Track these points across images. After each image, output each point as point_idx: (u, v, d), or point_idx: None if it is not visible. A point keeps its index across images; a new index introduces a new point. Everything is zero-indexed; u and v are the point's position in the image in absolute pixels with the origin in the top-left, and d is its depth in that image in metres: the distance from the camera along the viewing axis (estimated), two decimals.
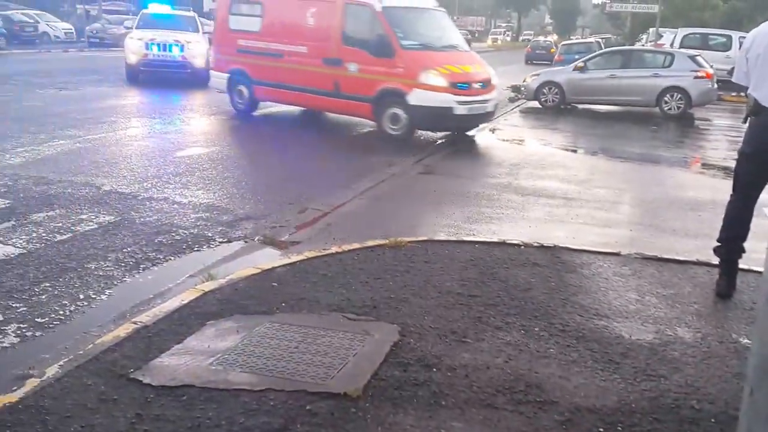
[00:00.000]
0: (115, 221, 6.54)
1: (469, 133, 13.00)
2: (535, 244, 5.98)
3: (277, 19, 13.31)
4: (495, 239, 6.21)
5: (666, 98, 17.25)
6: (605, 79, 17.65)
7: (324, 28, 12.48)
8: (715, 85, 17.78)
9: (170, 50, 18.74)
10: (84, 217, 6.59)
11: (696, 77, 17.16)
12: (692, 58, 17.79)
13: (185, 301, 4.52)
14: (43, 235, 6.02)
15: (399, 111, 11.71)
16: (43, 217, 6.51)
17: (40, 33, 37.13)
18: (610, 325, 4.38)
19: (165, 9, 21.20)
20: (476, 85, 12.03)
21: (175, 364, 3.68)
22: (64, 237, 6.00)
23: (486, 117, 12.65)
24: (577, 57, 22.79)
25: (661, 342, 4.20)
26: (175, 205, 7.20)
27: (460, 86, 11.66)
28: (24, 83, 18.05)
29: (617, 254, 5.87)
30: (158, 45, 18.66)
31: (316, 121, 14.29)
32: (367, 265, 5.34)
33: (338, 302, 4.55)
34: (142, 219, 6.65)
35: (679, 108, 17.15)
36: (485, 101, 12.22)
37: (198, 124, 13.19)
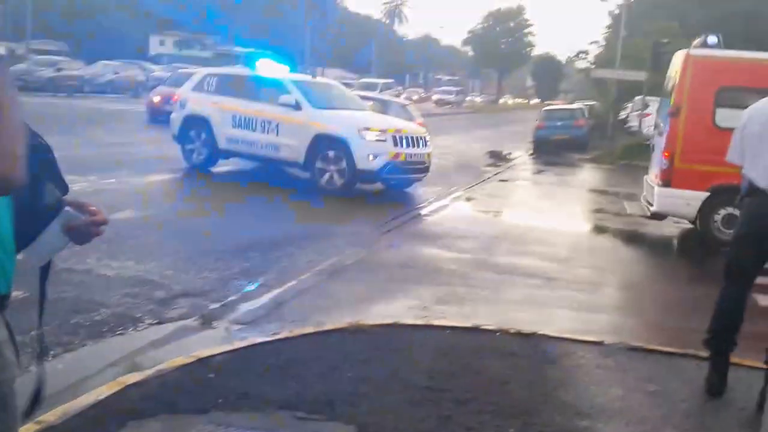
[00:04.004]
0: (23, 297, 5.72)
1: None
2: (512, 331, 5.62)
3: None
4: (468, 324, 5.80)
5: None
6: None
7: None
8: None
9: (419, 146, 12.85)
10: None
11: None
12: None
13: (102, 397, 3.97)
14: None
15: None
16: None
17: None
18: (592, 426, 4.09)
19: (282, 69, 14.01)
20: None
21: None
22: None
23: None
24: (559, 124, 23.44)
25: None
26: (99, 278, 6.45)
27: None
28: None
29: (600, 343, 5.55)
30: (407, 140, 12.61)
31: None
32: (324, 352, 4.92)
33: (287, 398, 4.12)
34: (56, 295, 5.87)
35: None
36: None
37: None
